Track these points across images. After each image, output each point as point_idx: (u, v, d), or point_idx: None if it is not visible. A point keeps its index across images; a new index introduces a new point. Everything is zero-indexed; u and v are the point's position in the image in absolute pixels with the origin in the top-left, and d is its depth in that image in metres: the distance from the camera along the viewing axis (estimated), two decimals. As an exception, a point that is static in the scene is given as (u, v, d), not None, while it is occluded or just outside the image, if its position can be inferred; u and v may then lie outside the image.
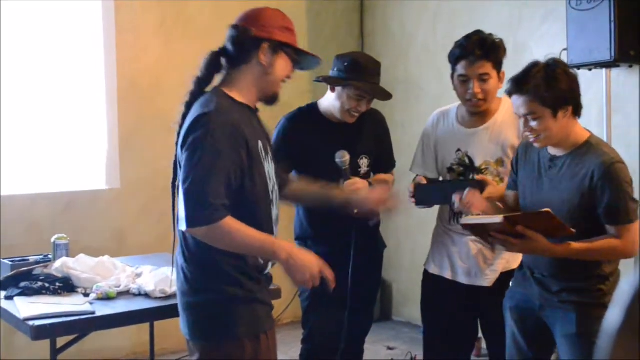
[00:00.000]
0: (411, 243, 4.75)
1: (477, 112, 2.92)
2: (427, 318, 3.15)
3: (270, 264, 2.39)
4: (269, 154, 2.37)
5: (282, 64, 2.32)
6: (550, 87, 2.43)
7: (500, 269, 2.94)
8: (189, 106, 2.30)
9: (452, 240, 3.01)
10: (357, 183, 2.94)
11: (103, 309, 2.74)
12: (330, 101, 3.10)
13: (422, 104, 4.86)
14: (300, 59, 2.40)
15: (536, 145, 2.56)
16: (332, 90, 3.06)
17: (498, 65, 2.86)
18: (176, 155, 2.30)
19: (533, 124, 2.47)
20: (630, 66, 3.93)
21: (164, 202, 4.97)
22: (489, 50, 2.81)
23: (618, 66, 3.86)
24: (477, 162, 2.91)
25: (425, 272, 3.13)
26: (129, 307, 2.81)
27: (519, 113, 2.48)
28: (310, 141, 3.10)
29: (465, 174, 2.92)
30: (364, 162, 3.13)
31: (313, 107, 3.20)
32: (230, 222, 2.15)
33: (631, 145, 3.81)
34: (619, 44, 3.74)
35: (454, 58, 2.87)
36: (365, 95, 3.00)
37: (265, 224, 2.30)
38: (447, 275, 3.02)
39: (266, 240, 2.23)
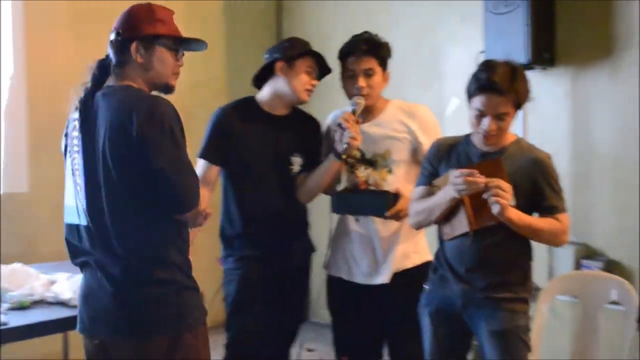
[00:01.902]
0: (322, 244, 4.75)
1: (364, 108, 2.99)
2: (334, 320, 3.17)
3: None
4: None
5: (160, 57, 2.31)
6: (524, 89, 2.52)
7: (394, 267, 2.99)
8: (88, 108, 2.27)
9: (348, 239, 3.04)
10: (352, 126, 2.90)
11: (17, 319, 2.62)
12: (276, 90, 3.06)
13: (341, 104, 4.86)
14: (183, 45, 2.37)
15: (487, 143, 2.58)
16: (282, 72, 3.02)
17: (383, 63, 2.98)
18: (85, 152, 2.24)
19: (500, 123, 2.51)
20: (544, 68, 4.05)
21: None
22: (374, 46, 2.95)
23: (533, 68, 3.96)
24: (368, 155, 3.00)
25: (327, 275, 3.16)
26: (45, 316, 2.70)
27: (489, 111, 2.50)
28: (243, 131, 3.05)
29: (356, 165, 3.00)
30: (296, 161, 3.08)
31: (250, 99, 3.16)
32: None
33: (545, 144, 3.90)
34: (534, 47, 3.85)
35: (343, 54, 2.98)
36: (314, 66, 3.04)
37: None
38: (345, 276, 3.06)
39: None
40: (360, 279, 3.03)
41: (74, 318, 2.65)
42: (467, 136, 2.69)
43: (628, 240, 3.88)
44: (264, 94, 3.11)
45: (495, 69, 2.50)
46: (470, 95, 2.55)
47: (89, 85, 2.32)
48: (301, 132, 3.12)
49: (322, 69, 3.10)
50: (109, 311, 2.23)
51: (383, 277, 3.00)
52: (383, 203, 2.86)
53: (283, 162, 3.06)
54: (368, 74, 2.94)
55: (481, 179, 2.42)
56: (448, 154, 2.69)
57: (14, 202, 4.50)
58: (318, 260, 3.34)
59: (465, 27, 4.52)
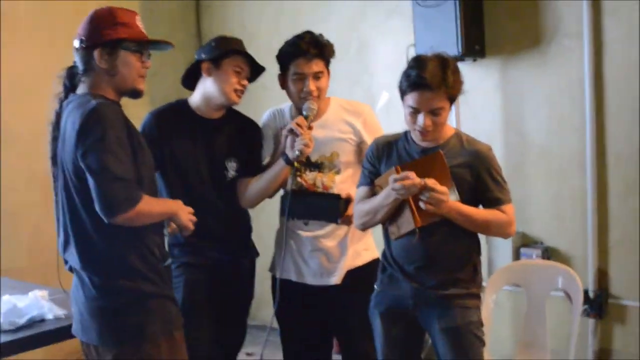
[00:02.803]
0: (263, 244, 4.68)
1: None
2: (281, 322, 3.12)
3: (170, 258, 2.46)
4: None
5: (124, 60, 2.32)
6: (457, 82, 2.49)
7: (346, 266, 2.97)
8: (59, 116, 2.33)
9: (294, 240, 3.00)
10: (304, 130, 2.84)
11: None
12: (204, 92, 2.97)
13: (265, 104, 4.77)
14: (147, 47, 2.39)
15: (424, 139, 2.55)
16: (208, 74, 2.94)
17: (328, 65, 2.96)
18: (55, 159, 2.35)
19: (436, 118, 2.47)
20: (475, 60, 4.06)
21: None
22: (323, 49, 2.91)
23: (464, 60, 3.97)
24: (313, 157, 2.95)
25: (273, 277, 3.10)
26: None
27: (423, 108, 2.46)
28: (176, 136, 2.95)
29: (301, 168, 2.95)
30: (232, 166, 2.99)
31: (183, 102, 3.04)
32: (146, 199, 2.26)
33: (478, 135, 3.91)
34: (465, 39, 3.86)
35: (288, 56, 2.91)
36: (243, 65, 2.94)
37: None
38: (293, 277, 3.01)
39: (165, 203, 2.47)
40: (310, 280, 2.98)
41: (7, 344, 2.62)
42: (406, 133, 2.66)
43: (564, 227, 3.94)
44: (195, 97, 3.01)
45: (426, 64, 2.46)
46: (403, 93, 2.51)
47: (61, 94, 2.38)
48: (236, 135, 3.03)
49: (254, 69, 3.01)
50: (83, 317, 2.34)
51: (335, 278, 2.97)
52: (336, 208, 2.84)
53: (218, 167, 2.96)
54: (317, 77, 2.90)
55: (417, 180, 2.38)
56: (388, 152, 2.66)
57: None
58: (258, 263, 3.27)
59: (393, 21, 4.49)
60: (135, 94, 2.39)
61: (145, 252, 2.30)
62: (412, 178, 2.38)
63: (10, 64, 4.44)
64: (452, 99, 2.51)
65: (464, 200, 2.49)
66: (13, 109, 4.43)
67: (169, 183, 2.95)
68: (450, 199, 2.43)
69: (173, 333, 2.36)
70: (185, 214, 2.43)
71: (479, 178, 2.54)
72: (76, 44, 2.33)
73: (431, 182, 2.39)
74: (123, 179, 2.19)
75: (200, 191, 2.94)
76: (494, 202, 2.55)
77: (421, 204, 2.41)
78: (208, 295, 2.95)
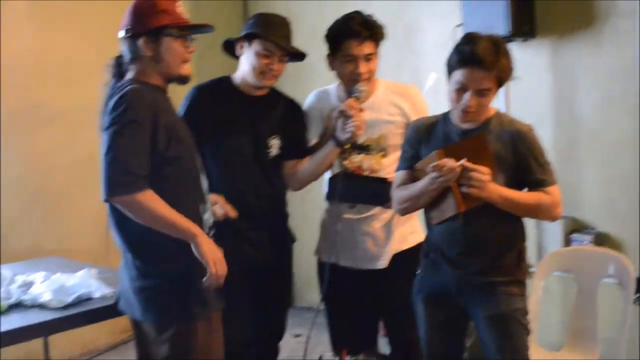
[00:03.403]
0: (310, 227, 4.67)
1: None
2: (327, 305, 3.10)
3: (210, 237, 2.43)
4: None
5: (169, 47, 2.37)
6: (508, 65, 2.42)
7: (393, 250, 2.94)
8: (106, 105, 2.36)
9: (340, 223, 2.96)
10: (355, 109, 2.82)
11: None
12: (242, 70, 2.95)
13: (312, 86, 4.75)
14: (190, 31, 2.43)
15: (466, 119, 2.49)
16: (241, 52, 2.93)
17: (378, 46, 2.92)
18: None
19: (481, 99, 2.42)
20: (525, 40, 3.97)
21: (46, 200, 4.66)
22: (375, 30, 2.87)
23: (513, 40, 3.88)
24: (360, 140, 2.91)
25: (318, 260, 3.10)
26: (25, 321, 2.56)
27: (472, 86, 2.40)
28: (218, 112, 2.94)
29: (348, 150, 2.91)
30: (274, 144, 2.96)
31: (225, 79, 3.03)
32: (150, 195, 2.24)
33: (528, 117, 3.84)
34: (514, 19, 3.77)
35: (339, 37, 2.86)
36: (271, 49, 2.86)
37: (192, 197, 2.43)
38: (339, 261, 2.99)
39: (181, 219, 2.29)
40: (356, 263, 2.97)
41: (55, 321, 2.63)
42: (445, 115, 2.60)
43: (616, 212, 3.85)
44: (237, 74, 3.00)
45: (479, 42, 2.39)
46: (452, 68, 2.44)
47: (109, 83, 2.43)
48: (279, 114, 3.00)
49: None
50: (128, 294, 2.42)
51: (382, 262, 2.94)
52: (383, 192, 2.78)
53: (259, 144, 2.94)
54: (368, 58, 2.86)
55: (455, 165, 2.32)
56: (427, 135, 2.60)
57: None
58: (303, 245, 3.25)
59: (440, 2, 4.41)
60: (181, 79, 2.44)
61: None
62: (450, 164, 2.33)
63: (55, 46, 4.51)
64: (500, 82, 2.44)
65: (506, 183, 2.43)
66: (58, 90, 4.51)
67: (209, 157, 2.91)
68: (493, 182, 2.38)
69: (210, 315, 2.40)
70: (208, 245, 2.33)
71: (521, 159, 2.47)
72: (121, 34, 2.39)
73: (470, 164, 2.33)
74: (125, 163, 2.22)
75: (241, 167, 2.92)
76: (537, 183, 2.48)
77: (464, 188, 2.36)
78: (244, 282, 2.93)
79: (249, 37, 2.90)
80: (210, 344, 2.41)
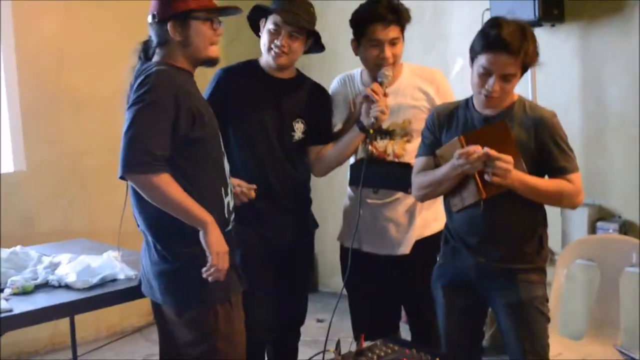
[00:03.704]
0: (334, 213, 4.68)
1: None
2: (350, 290, 3.10)
3: (231, 221, 2.50)
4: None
5: (197, 31, 2.38)
6: (534, 51, 2.39)
7: (415, 236, 2.94)
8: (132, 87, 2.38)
9: (363, 208, 2.95)
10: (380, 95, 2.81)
11: (21, 305, 2.53)
12: (262, 50, 2.96)
13: (339, 71, 4.74)
14: (217, 13, 2.43)
15: (488, 105, 2.46)
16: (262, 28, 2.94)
17: (404, 30, 2.89)
18: None
19: (505, 84, 2.39)
20: (553, 25, 3.92)
21: (74, 183, 4.73)
22: (400, 14, 2.84)
23: (541, 25, 3.84)
24: (385, 125, 2.89)
25: (341, 246, 3.09)
26: (50, 301, 2.61)
27: (496, 71, 2.37)
28: (243, 93, 2.94)
29: (372, 136, 2.89)
30: (299, 127, 2.96)
31: (253, 61, 3.04)
32: (166, 178, 2.25)
33: (554, 104, 3.80)
34: (542, 3, 3.72)
35: (363, 22, 2.84)
36: (278, 23, 2.85)
37: (212, 179, 2.43)
38: (362, 247, 2.99)
39: (194, 205, 2.30)
40: (378, 249, 2.97)
41: (80, 301, 2.67)
42: (467, 100, 2.57)
43: (643, 201, 3.79)
44: (263, 57, 2.99)
45: (505, 26, 2.36)
46: (477, 52, 2.42)
47: (136, 66, 2.44)
48: (305, 97, 2.99)
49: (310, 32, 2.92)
50: (149, 276, 2.46)
51: (404, 248, 2.94)
52: (406, 177, 2.74)
53: (284, 126, 2.93)
54: (393, 42, 2.84)
55: (482, 153, 2.31)
56: (449, 120, 2.58)
57: (11, 182, 4.38)
58: (328, 231, 3.26)
59: (469, -15, 4.37)
60: (210, 62, 2.45)
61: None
62: (477, 152, 2.32)
63: (83, 31, 4.56)
64: (525, 68, 2.41)
65: (527, 169, 2.41)
66: (86, 75, 4.55)
67: (234, 138, 2.92)
68: (516, 169, 2.36)
69: (230, 300, 2.42)
70: (215, 236, 2.31)
71: (543, 146, 2.44)
72: (149, 19, 2.41)
73: (494, 152, 2.31)
74: (143, 142, 2.23)
75: (264, 149, 2.92)
76: (559, 171, 2.45)
77: (486, 176, 2.35)
78: (265, 267, 2.95)
79: (264, 15, 2.90)
80: (231, 326, 2.43)
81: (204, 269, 2.30)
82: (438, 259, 2.71)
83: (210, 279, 2.31)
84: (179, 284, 2.38)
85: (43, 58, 4.45)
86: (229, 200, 2.49)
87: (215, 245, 2.29)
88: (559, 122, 2.48)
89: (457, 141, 2.40)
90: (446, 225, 2.67)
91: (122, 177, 2.27)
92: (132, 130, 2.23)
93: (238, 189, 2.75)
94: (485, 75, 2.40)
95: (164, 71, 2.33)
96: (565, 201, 2.51)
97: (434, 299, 2.71)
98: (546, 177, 2.48)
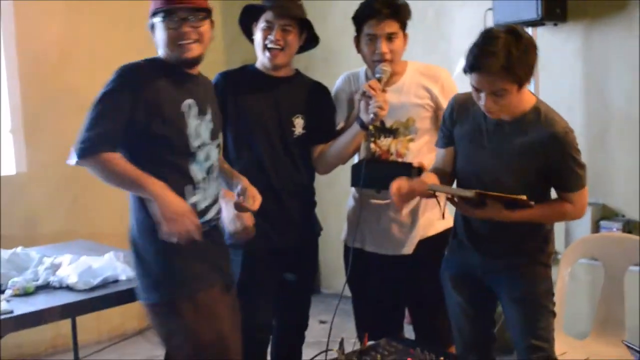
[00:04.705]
0: (337, 213, 4.67)
1: None
2: (354, 290, 3.08)
3: (213, 212, 2.48)
4: (207, 114, 2.48)
5: (159, 33, 2.38)
6: (522, 63, 2.27)
7: (419, 235, 2.92)
8: None
9: (366, 209, 2.93)
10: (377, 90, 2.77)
11: (22, 307, 2.53)
12: (256, 52, 2.95)
13: (343, 70, 4.72)
14: (174, 12, 2.36)
15: (493, 117, 2.42)
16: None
17: (404, 26, 2.86)
18: None
19: (497, 99, 2.32)
20: (556, 24, 3.91)
21: (76, 185, 4.71)
22: (397, 9, 2.82)
23: (544, 24, 3.82)
24: (388, 123, 2.87)
25: (345, 245, 3.08)
26: (51, 302, 2.62)
27: (483, 89, 2.32)
28: (242, 93, 2.93)
29: (375, 134, 2.88)
30: (298, 122, 2.93)
31: (249, 65, 3.03)
32: (116, 156, 2.28)
33: (558, 102, 3.78)
34: (545, 2, 3.71)
35: (361, 17, 2.83)
36: (270, 19, 2.84)
37: (172, 175, 2.36)
38: (365, 247, 2.97)
39: (144, 176, 2.27)
40: (382, 249, 2.95)
41: (80, 303, 2.67)
42: None
43: (647, 200, 3.78)
44: (259, 58, 2.97)
45: (491, 43, 2.27)
46: (464, 70, 2.36)
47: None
48: (304, 94, 2.97)
49: (305, 25, 2.90)
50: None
51: (407, 248, 2.92)
52: (407, 177, 2.68)
53: (284, 123, 2.91)
54: (390, 38, 2.80)
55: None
56: (465, 113, 2.54)
57: (13, 183, 4.37)
58: (330, 232, 3.24)
59: (472, -16, 4.36)
60: (184, 62, 2.40)
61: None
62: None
63: (83, 34, 4.56)
64: (518, 81, 2.30)
65: (529, 182, 2.39)
66: (86, 78, 4.52)
67: (235, 140, 2.91)
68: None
69: (195, 295, 2.36)
70: (166, 202, 2.26)
71: (552, 163, 2.39)
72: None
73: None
74: (93, 126, 2.26)
75: (265, 145, 2.89)
76: (563, 188, 2.44)
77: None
78: (269, 269, 2.93)
79: (254, 16, 2.89)
80: (197, 323, 2.36)
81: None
82: (446, 251, 2.72)
83: (174, 240, 2.27)
84: (144, 278, 2.38)
85: (45, 59, 4.45)
86: (196, 200, 2.42)
87: (167, 212, 2.25)
88: (573, 138, 2.39)
89: (467, 192, 2.38)
90: (455, 218, 2.67)
91: (77, 163, 2.30)
92: (86, 119, 2.28)
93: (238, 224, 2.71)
94: (477, 91, 2.36)
95: (132, 64, 2.35)
96: (562, 219, 2.63)
97: (443, 289, 2.71)
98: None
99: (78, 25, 4.55)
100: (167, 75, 2.39)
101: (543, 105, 2.46)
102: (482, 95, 2.34)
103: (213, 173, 2.50)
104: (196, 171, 2.43)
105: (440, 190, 2.48)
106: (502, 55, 2.24)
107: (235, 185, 2.61)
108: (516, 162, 2.41)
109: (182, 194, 2.36)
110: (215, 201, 2.52)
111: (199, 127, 2.43)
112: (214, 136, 2.51)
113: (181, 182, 2.38)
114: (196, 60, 2.43)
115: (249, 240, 2.77)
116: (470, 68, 2.31)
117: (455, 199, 2.44)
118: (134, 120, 2.29)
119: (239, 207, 2.55)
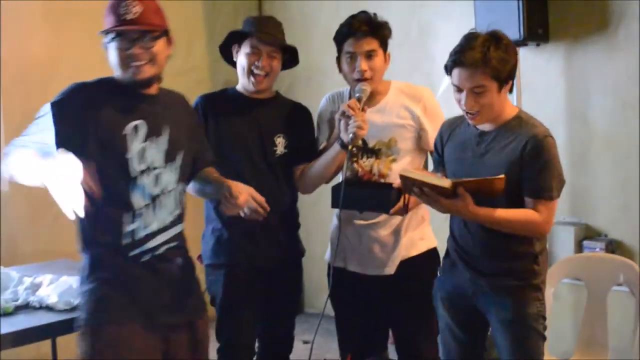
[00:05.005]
0: (321, 233, 4.66)
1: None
2: (336, 310, 3.07)
3: (160, 240, 2.32)
4: (162, 135, 2.34)
5: (111, 53, 2.31)
6: (502, 60, 2.35)
7: (400, 256, 2.90)
8: None
9: (348, 229, 2.93)
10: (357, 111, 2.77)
11: (1, 327, 2.48)
12: (239, 75, 2.96)
13: (326, 90, 4.74)
14: (123, 34, 2.29)
15: (472, 122, 2.46)
16: (236, 54, 2.95)
17: (384, 44, 2.85)
18: None
19: (478, 98, 2.36)
20: (538, 45, 3.94)
21: (57, 204, 4.64)
22: (376, 27, 2.81)
23: (526, 45, 3.86)
24: (371, 143, 2.88)
25: (328, 265, 3.04)
26: (31, 322, 2.58)
27: (463, 86, 2.36)
28: (223, 115, 2.93)
29: (357, 154, 2.88)
30: (280, 142, 2.94)
31: (230, 88, 3.05)
32: (23, 151, 2.19)
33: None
34: (527, 23, 3.75)
35: (341, 36, 2.84)
36: (256, 45, 2.86)
37: (107, 200, 2.22)
38: (348, 266, 2.96)
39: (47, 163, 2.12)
40: (364, 269, 2.93)
41: (61, 323, 2.62)
42: None
43: (630, 219, 3.80)
44: (240, 80, 2.99)
45: (471, 41, 2.37)
46: (446, 71, 2.43)
47: None
48: (285, 115, 2.99)
49: (288, 50, 2.95)
50: None
51: (389, 268, 2.90)
52: (387, 199, 2.70)
53: (265, 143, 2.91)
54: (370, 55, 2.80)
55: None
56: (451, 133, 2.59)
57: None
58: (314, 252, 3.23)
59: (454, 4, 4.40)
60: (134, 84, 2.30)
61: (106, 228, 2.29)
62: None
63: (69, 47, 4.53)
64: (497, 78, 2.35)
65: (512, 188, 2.37)
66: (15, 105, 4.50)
67: (219, 161, 2.86)
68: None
69: (97, 329, 2.25)
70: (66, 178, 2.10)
71: (525, 164, 2.38)
72: None
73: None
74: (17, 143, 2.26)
75: (247, 165, 2.89)
76: (533, 193, 2.40)
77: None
78: (252, 288, 2.92)
79: (237, 41, 2.91)
80: (96, 356, 2.24)
81: None
82: (439, 271, 2.72)
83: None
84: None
85: (28, 78, 4.42)
86: (134, 228, 2.29)
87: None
88: (553, 144, 2.39)
89: (447, 183, 2.36)
90: (448, 239, 2.66)
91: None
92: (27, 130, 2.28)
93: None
94: (458, 92, 2.40)
95: (79, 84, 2.30)
96: (529, 233, 2.46)
97: (435, 309, 2.71)
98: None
99: (61, 43, 4.53)
100: (116, 96, 2.29)
101: (525, 114, 2.50)
102: (463, 95, 2.37)
103: (163, 198, 2.34)
104: (137, 197, 2.29)
105: (414, 176, 2.42)
106: (480, 50, 2.33)
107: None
108: (495, 166, 2.40)
109: (119, 222, 2.26)
110: (164, 228, 2.35)
111: (146, 151, 2.30)
112: (169, 158, 2.36)
113: (119, 211, 2.27)
114: (149, 81, 2.32)
115: (232, 257, 2.80)
116: (451, 64, 2.37)
117: (425, 190, 2.38)
118: (70, 137, 2.18)
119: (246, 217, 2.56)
